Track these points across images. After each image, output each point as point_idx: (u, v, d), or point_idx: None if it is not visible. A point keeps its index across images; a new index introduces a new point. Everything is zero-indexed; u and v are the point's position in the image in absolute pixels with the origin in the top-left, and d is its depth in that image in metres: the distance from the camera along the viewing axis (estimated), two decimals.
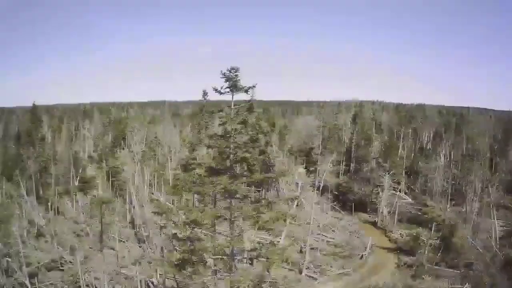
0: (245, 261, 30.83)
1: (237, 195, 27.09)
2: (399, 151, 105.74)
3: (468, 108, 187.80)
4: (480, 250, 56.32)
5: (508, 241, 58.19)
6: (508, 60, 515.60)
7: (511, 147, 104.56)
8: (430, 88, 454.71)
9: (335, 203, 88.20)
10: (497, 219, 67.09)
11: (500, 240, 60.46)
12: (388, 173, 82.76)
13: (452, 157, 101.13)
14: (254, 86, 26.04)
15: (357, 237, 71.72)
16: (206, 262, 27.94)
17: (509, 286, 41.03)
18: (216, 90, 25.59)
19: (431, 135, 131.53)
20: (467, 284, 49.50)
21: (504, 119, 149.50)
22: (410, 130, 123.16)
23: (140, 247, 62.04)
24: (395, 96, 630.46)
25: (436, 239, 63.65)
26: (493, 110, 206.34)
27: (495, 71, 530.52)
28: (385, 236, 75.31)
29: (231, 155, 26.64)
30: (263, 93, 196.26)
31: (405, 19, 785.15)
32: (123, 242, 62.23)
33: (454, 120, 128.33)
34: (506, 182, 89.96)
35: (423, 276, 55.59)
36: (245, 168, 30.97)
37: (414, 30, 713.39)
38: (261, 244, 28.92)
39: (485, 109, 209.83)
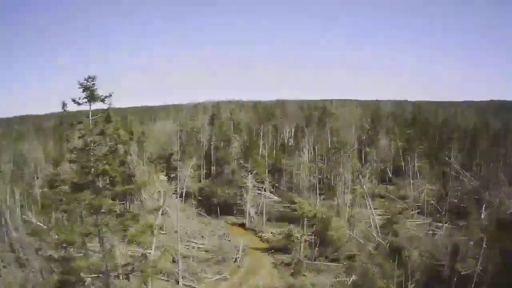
0: (121, 277, 31.76)
1: (102, 210, 27.22)
2: (260, 149, 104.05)
3: (331, 100, 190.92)
4: (361, 241, 58.46)
5: (389, 229, 58.63)
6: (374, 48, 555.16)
7: (380, 136, 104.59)
8: (289, 84, 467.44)
9: (200, 208, 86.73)
10: (374, 209, 69.39)
11: (381, 229, 61.50)
12: (251, 173, 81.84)
13: (317, 151, 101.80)
14: (110, 95, 26.29)
15: (228, 240, 70.39)
16: (85, 281, 27.87)
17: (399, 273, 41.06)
18: (74, 101, 25.35)
19: (292, 130, 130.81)
20: (353, 275, 50.25)
21: (370, 108, 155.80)
22: (270, 128, 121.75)
23: (22, 271, 56.77)
24: (253, 94, 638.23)
25: (310, 235, 63.76)
26: (359, 100, 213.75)
27: (355, 62, 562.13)
28: (256, 236, 74.51)
29: (92, 169, 26.90)
30: (121, 101, 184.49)
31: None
32: (6, 267, 57.94)
33: (316, 114, 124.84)
34: (378, 172, 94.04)
35: (303, 273, 54.99)
36: (107, 181, 31.17)
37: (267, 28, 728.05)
38: (133, 258, 30.34)
39: (350, 100, 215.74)
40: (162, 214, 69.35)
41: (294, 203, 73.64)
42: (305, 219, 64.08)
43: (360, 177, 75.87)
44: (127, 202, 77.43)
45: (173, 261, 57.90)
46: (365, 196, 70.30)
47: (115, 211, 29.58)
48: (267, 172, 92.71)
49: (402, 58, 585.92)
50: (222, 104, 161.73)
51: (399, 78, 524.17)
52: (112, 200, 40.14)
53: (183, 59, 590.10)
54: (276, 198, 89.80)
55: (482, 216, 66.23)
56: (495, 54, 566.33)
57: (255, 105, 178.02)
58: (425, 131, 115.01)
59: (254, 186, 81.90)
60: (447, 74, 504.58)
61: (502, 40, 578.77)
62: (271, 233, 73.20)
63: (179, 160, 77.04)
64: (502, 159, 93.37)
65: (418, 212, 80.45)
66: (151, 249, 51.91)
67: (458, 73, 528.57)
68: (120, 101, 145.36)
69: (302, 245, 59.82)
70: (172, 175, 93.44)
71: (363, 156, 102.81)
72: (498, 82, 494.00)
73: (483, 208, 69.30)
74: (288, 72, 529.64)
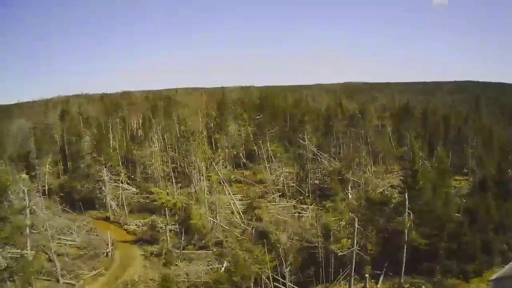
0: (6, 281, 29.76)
1: None
2: (111, 142, 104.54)
3: (176, 89, 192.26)
4: (226, 227, 59.95)
5: (252, 214, 61.83)
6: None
7: (229, 122, 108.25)
8: (134, 75, 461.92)
9: (63, 204, 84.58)
10: (233, 194, 71.97)
11: (244, 214, 64.45)
12: (105, 166, 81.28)
13: (166, 141, 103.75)
14: None
15: (96, 235, 70.25)
16: None
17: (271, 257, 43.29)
18: None
19: (140, 121, 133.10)
20: (225, 262, 50.73)
21: (216, 95, 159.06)
22: (118, 120, 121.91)
23: None
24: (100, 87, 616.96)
25: (174, 224, 65.37)
26: (205, 88, 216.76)
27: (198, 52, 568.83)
28: (122, 229, 74.95)
29: None
30: None
31: None
32: None
33: (162, 104, 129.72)
34: (231, 158, 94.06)
35: (175, 263, 56.16)
36: None
37: None
38: (12, 260, 30.41)
39: (195, 88, 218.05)
40: (30, 213, 66.30)
41: (152, 193, 74.49)
42: (166, 208, 65.18)
43: (213, 164, 78.59)
44: None
45: (50, 260, 56.62)
46: (221, 182, 72.41)
47: None
48: (120, 164, 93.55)
49: (248, 44, 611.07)
50: (71, 99, 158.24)
51: (245, 65, 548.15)
52: None
53: None
54: (134, 189, 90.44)
55: (350, 196, 69.10)
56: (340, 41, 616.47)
57: (101, 98, 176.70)
58: (274, 115, 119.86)
59: (110, 179, 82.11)
60: (295, 60, 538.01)
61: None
62: (136, 225, 74.03)
63: (36, 158, 76.16)
64: (362, 140, 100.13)
65: (280, 195, 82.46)
66: (27, 249, 51.04)
67: (305, 61, 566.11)
68: None
69: (168, 235, 60.93)
70: (32, 173, 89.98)
71: (213, 143, 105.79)
72: (350, 65, 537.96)
73: (349, 188, 71.91)
74: (134, 63, 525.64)
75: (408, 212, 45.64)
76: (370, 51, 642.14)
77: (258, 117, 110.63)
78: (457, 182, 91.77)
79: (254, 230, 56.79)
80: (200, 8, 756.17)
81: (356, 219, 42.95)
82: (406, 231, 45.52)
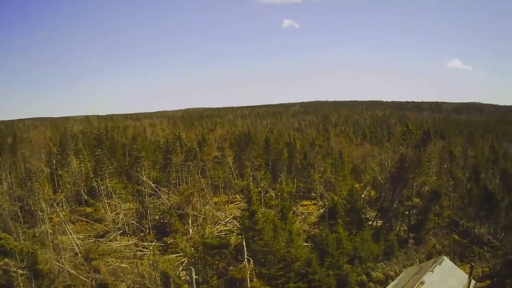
0: None
1: None
2: None
3: (23, 120, 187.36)
4: (73, 271, 58.85)
5: (90, 265, 61.29)
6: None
7: (70, 158, 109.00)
8: None
9: None
10: (77, 234, 73.48)
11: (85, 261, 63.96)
12: None
13: (12, 179, 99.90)
14: None
15: None
16: None
17: None
18: None
19: None
20: None
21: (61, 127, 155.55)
22: None
23: None
24: None
25: (24, 268, 61.49)
26: (51, 117, 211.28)
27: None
28: None
29: None
30: None
31: None
32: None
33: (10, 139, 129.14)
34: (73, 195, 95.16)
35: None
36: None
37: None
38: None
39: (42, 118, 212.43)
40: None
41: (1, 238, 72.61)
42: (16, 252, 60.39)
43: (55, 204, 79.86)
44: None
45: None
46: (64, 223, 73.07)
47: None
48: None
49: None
50: None
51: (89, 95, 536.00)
52: None
53: None
54: None
55: (191, 232, 71.75)
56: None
57: None
58: (113, 150, 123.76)
59: None
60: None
61: None
62: None
63: None
64: (201, 172, 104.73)
65: (120, 233, 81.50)
66: None
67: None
68: None
69: (20, 281, 57.80)
70: None
71: (56, 179, 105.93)
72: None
73: (190, 223, 74.54)
74: None
75: (247, 258, 46.35)
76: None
77: (97, 152, 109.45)
78: (305, 207, 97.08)
79: (93, 281, 56.56)
80: None
81: (193, 270, 43.46)
82: (247, 279, 45.74)
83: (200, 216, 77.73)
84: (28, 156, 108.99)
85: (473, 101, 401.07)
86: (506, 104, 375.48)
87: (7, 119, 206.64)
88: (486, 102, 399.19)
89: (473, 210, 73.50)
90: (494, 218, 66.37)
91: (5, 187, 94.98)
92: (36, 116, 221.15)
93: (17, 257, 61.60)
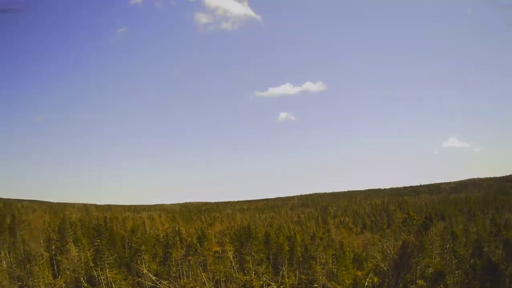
0: None
1: None
2: None
3: (21, 201, 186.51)
4: None
5: None
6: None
7: (69, 245, 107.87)
8: None
9: None
10: None
11: None
12: None
13: (12, 260, 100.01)
14: None
15: None
16: None
17: None
18: None
19: None
20: None
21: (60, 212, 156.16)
22: None
23: None
24: None
25: None
26: (50, 202, 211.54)
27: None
28: None
29: None
30: None
31: None
32: None
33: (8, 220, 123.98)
34: (73, 282, 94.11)
35: None
36: None
37: None
38: None
39: (41, 201, 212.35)
40: None
41: None
42: None
43: None
44: None
45: None
46: None
47: None
48: None
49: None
50: None
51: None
52: None
53: None
54: None
55: None
56: None
57: None
58: (113, 242, 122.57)
59: None
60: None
61: None
62: None
63: None
64: (201, 266, 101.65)
65: None
66: None
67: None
68: None
69: None
70: None
71: (55, 265, 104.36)
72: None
73: None
74: None
75: None
76: None
77: (96, 242, 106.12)
78: None
79: None
80: None
81: None
82: None
83: None
84: (27, 239, 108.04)
85: (471, 177, 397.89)
86: (504, 175, 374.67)
87: (5, 197, 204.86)
88: (484, 176, 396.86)
89: (477, 284, 73.50)
90: None
91: (4, 265, 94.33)
92: (34, 199, 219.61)
93: None
